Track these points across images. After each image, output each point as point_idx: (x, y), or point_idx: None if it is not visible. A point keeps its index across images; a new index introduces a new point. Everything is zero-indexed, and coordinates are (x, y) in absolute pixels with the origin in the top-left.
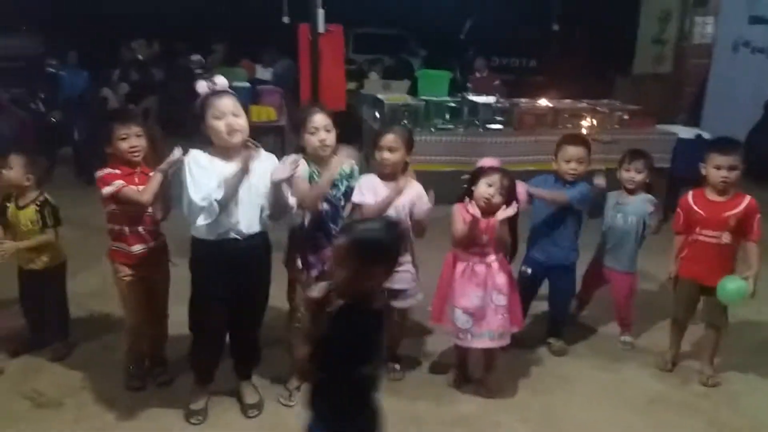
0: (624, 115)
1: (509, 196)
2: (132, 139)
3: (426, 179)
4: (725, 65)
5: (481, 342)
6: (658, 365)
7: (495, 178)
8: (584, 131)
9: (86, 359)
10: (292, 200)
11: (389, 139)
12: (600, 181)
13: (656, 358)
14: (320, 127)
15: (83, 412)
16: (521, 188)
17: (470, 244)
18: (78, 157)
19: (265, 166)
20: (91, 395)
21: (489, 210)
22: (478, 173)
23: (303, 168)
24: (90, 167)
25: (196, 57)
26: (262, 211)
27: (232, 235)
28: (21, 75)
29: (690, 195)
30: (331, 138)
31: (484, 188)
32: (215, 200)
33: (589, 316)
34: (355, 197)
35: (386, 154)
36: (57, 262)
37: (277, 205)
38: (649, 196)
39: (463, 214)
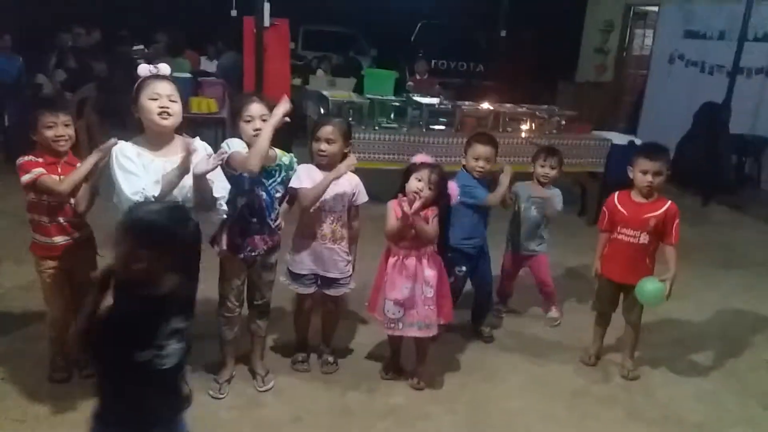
0: (562, 120)
1: (439, 191)
2: (59, 128)
3: (369, 177)
4: (661, 76)
5: (410, 331)
6: (582, 359)
7: (424, 173)
8: (523, 134)
9: (8, 352)
10: (217, 186)
11: (327, 130)
12: (506, 176)
13: (581, 353)
14: (256, 116)
15: (4, 404)
16: (452, 186)
17: (400, 238)
18: (8, 143)
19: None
20: (11, 387)
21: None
22: (410, 169)
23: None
24: (21, 155)
25: (138, 46)
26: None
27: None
28: None
29: (616, 195)
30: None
31: (414, 183)
32: (152, 196)
33: (515, 311)
34: (293, 183)
35: (324, 146)
36: None
37: (201, 198)
38: (558, 190)
39: (395, 210)
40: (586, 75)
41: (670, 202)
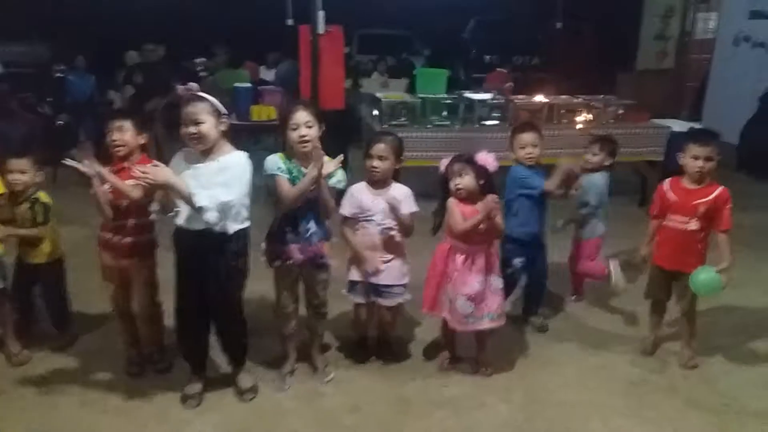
0: (619, 109)
1: (475, 170)
2: (114, 134)
3: (422, 175)
4: (726, 60)
5: (482, 324)
6: (639, 349)
7: (449, 170)
8: (579, 126)
9: (89, 349)
10: (199, 201)
11: (379, 148)
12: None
13: (638, 343)
14: (301, 123)
15: (87, 397)
16: (484, 157)
17: (472, 234)
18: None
19: (212, 167)
20: (93, 381)
21: (470, 197)
22: (443, 180)
23: (282, 166)
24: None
25: (200, 59)
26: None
27: (186, 227)
28: (29, 80)
29: (667, 182)
30: (311, 133)
31: (451, 185)
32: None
33: (574, 302)
34: (344, 210)
35: (376, 162)
36: (55, 257)
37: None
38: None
39: (460, 208)
40: (647, 63)
41: (721, 188)
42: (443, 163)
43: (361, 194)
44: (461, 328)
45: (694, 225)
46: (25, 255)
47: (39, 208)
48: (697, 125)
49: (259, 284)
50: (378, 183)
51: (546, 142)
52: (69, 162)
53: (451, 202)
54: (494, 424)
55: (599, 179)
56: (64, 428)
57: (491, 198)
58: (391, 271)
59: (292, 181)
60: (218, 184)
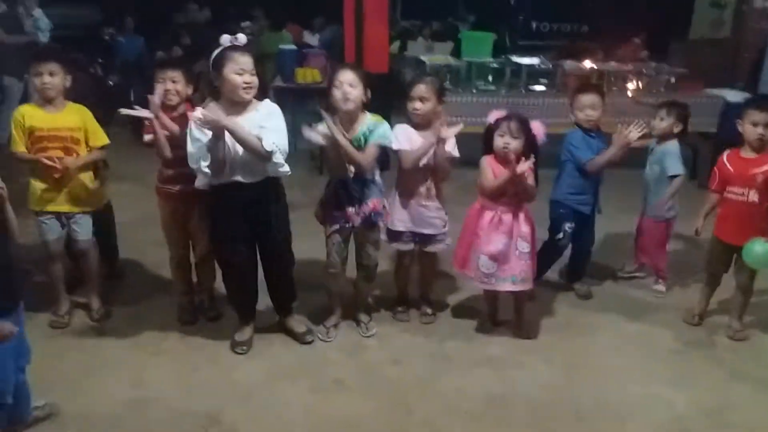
0: (671, 78)
1: (526, 137)
2: (167, 83)
3: (466, 140)
4: None
5: (505, 286)
6: (685, 319)
7: (503, 126)
8: (630, 94)
9: (144, 297)
10: (266, 141)
11: (420, 89)
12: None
13: (683, 313)
14: (344, 81)
15: (140, 339)
16: (536, 126)
17: (501, 194)
18: (134, 117)
19: (254, 117)
20: (147, 326)
21: (516, 157)
22: (488, 130)
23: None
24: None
25: (245, 23)
26: (278, 165)
27: (239, 180)
28: (80, 42)
29: (725, 153)
30: (354, 93)
31: (499, 140)
32: (205, 166)
33: (619, 270)
34: (394, 145)
35: (417, 104)
36: (107, 201)
37: (250, 152)
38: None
39: (492, 168)
40: (701, 31)
41: None
42: (494, 115)
43: (411, 133)
44: (483, 286)
45: (753, 196)
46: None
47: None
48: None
49: (307, 241)
50: (420, 125)
51: None
52: (126, 111)
53: (485, 160)
54: (533, 383)
55: (676, 147)
56: (117, 368)
57: (523, 163)
58: (435, 221)
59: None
60: (270, 129)
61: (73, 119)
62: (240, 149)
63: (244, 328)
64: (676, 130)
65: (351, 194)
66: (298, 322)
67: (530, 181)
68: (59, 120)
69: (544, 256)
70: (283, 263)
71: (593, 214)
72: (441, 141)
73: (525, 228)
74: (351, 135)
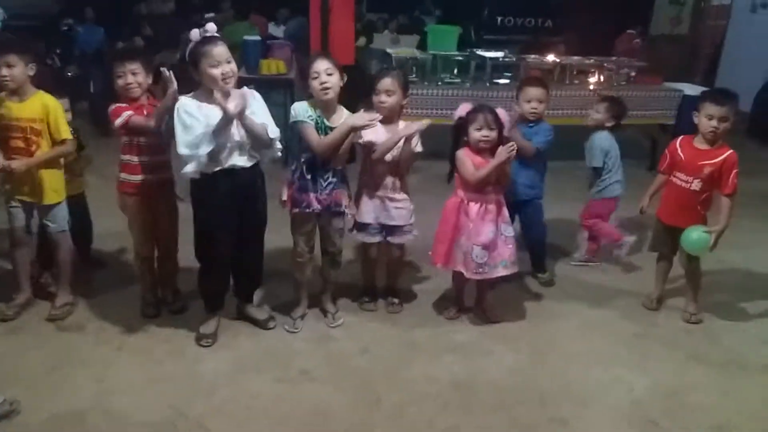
0: (631, 71)
1: (499, 126)
2: (127, 77)
3: (431, 133)
4: (742, 26)
5: (497, 271)
6: (644, 304)
7: (479, 118)
8: (591, 87)
9: (105, 291)
10: (270, 129)
11: (386, 82)
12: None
13: (643, 298)
14: (321, 71)
15: (103, 335)
16: (503, 114)
17: (485, 184)
18: (94, 108)
19: (253, 104)
20: (109, 321)
21: (490, 148)
22: (461, 124)
23: (311, 114)
24: (106, 118)
25: (209, 14)
26: (253, 145)
27: (232, 165)
28: (38, 32)
29: (679, 139)
30: (332, 81)
31: (476, 134)
32: (205, 153)
33: (579, 258)
34: (359, 139)
35: (383, 97)
36: (82, 189)
37: (256, 139)
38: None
39: (471, 158)
40: (661, 28)
41: (730, 151)
42: (463, 109)
43: (378, 127)
44: (477, 277)
45: (696, 185)
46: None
47: (81, 135)
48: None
49: (274, 233)
50: (386, 119)
51: (557, 102)
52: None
53: (462, 153)
54: (501, 369)
55: (602, 139)
56: (80, 364)
57: (506, 146)
58: (402, 213)
59: (317, 130)
60: (260, 115)
61: (35, 110)
62: (238, 135)
63: (210, 320)
64: (608, 124)
65: (316, 180)
66: (259, 310)
67: (507, 168)
68: (21, 110)
69: None
70: (258, 251)
71: (535, 202)
72: (407, 138)
73: (506, 212)
74: (333, 124)
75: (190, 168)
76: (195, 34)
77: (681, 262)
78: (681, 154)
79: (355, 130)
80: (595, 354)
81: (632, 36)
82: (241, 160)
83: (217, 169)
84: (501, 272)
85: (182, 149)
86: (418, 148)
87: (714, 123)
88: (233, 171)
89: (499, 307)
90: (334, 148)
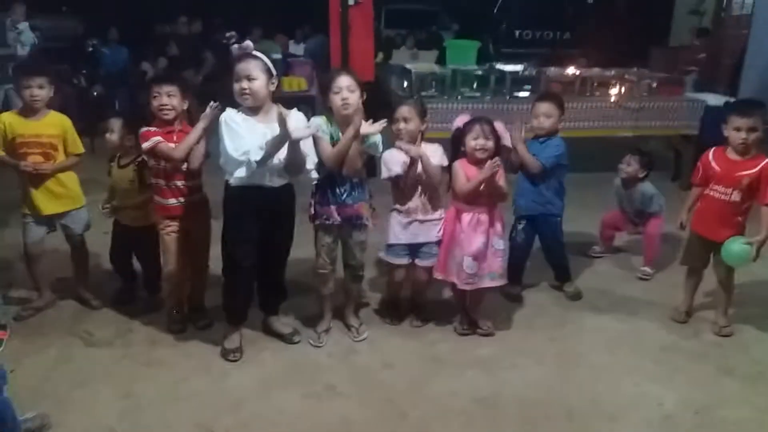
0: (652, 83)
1: (496, 138)
2: (162, 98)
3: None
4: (764, 35)
5: (484, 282)
6: (672, 316)
7: (476, 129)
8: (612, 98)
9: (132, 306)
10: (310, 159)
11: (403, 110)
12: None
13: (671, 311)
14: (343, 87)
15: (130, 350)
16: (500, 126)
17: (476, 196)
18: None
19: (292, 125)
20: (137, 336)
21: (487, 158)
22: (458, 135)
23: (325, 128)
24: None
25: (231, 33)
26: (286, 166)
27: (262, 183)
28: (64, 53)
29: (711, 151)
30: (353, 97)
31: (473, 143)
32: (255, 160)
33: (608, 271)
34: (384, 175)
35: (401, 125)
36: (152, 221)
37: (292, 163)
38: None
39: (465, 171)
40: (681, 38)
41: (767, 160)
42: (461, 120)
43: (399, 156)
44: (468, 287)
45: (735, 196)
46: (129, 218)
47: (148, 170)
48: (732, 99)
49: (300, 247)
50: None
51: (578, 114)
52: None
53: (457, 164)
54: (525, 384)
55: (649, 189)
56: (108, 380)
57: (492, 161)
58: (432, 229)
59: (333, 143)
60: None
61: (54, 127)
62: (281, 154)
63: (233, 334)
64: (641, 175)
65: (336, 192)
66: (284, 324)
67: (501, 182)
68: (40, 128)
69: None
70: (282, 264)
71: (552, 218)
72: (420, 157)
73: (498, 226)
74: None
75: (241, 173)
76: (234, 50)
77: (717, 274)
78: (716, 167)
79: (358, 134)
80: (623, 367)
81: (698, 49)
82: (272, 179)
83: (252, 182)
84: (488, 284)
85: (233, 153)
86: (444, 161)
87: (743, 134)
88: (263, 188)
89: (523, 319)
90: (342, 157)
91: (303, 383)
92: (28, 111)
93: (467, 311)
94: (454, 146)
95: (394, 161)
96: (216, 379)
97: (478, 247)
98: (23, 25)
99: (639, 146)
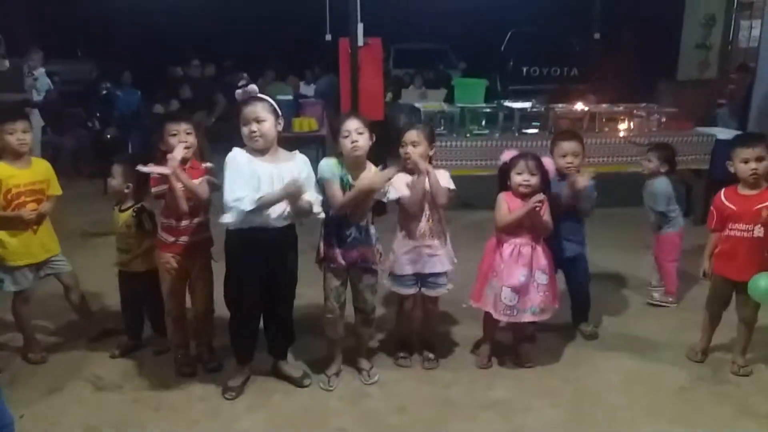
0: (662, 117)
1: (542, 173)
2: (181, 135)
3: (462, 184)
4: None
5: (525, 317)
6: (688, 355)
7: (521, 164)
8: (621, 134)
9: (143, 349)
10: (316, 202)
11: (412, 135)
12: (582, 180)
13: (686, 350)
14: (352, 130)
15: (140, 394)
16: (548, 163)
17: (517, 228)
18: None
19: (293, 168)
20: (147, 380)
21: (531, 193)
22: (504, 169)
23: (335, 171)
24: (145, 179)
25: (243, 74)
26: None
27: (263, 225)
28: (78, 97)
29: (722, 192)
30: (362, 140)
31: (517, 178)
32: (244, 210)
33: (622, 309)
34: (392, 195)
35: (409, 149)
36: (155, 264)
37: (299, 213)
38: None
39: (507, 203)
40: (688, 73)
41: None
42: (507, 155)
43: (406, 180)
44: (505, 319)
45: (759, 231)
46: (127, 264)
47: (145, 216)
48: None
49: (308, 287)
50: (413, 171)
51: (588, 150)
52: (145, 168)
53: (501, 196)
54: (541, 427)
55: (661, 185)
56: (118, 425)
57: (536, 197)
58: (441, 258)
59: (342, 188)
60: (308, 184)
61: (42, 172)
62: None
63: (239, 373)
64: (663, 170)
65: (340, 235)
66: (294, 367)
67: (545, 216)
68: (32, 175)
69: None
70: (286, 306)
71: (577, 257)
72: (430, 174)
73: (543, 260)
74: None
75: (228, 218)
76: (238, 95)
77: (741, 313)
78: (731, 206)
79: (375, 190)
80: (641, 409)
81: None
82: (276, 221)
83: (251, 224)
84: (529, 318)
85: (227, 197)
86: (451, 185)
87: (752, 165)
88: (266, 229)
89: (537, 358)
90: (351, 207)
91: (314, 428)
92: (15, 158)
93: (514, 345)
94: (501, 180)
95: (401, 183)
96: (226, 423)
97: (519, 279)
98: (39, 72)
99: (657, 142)
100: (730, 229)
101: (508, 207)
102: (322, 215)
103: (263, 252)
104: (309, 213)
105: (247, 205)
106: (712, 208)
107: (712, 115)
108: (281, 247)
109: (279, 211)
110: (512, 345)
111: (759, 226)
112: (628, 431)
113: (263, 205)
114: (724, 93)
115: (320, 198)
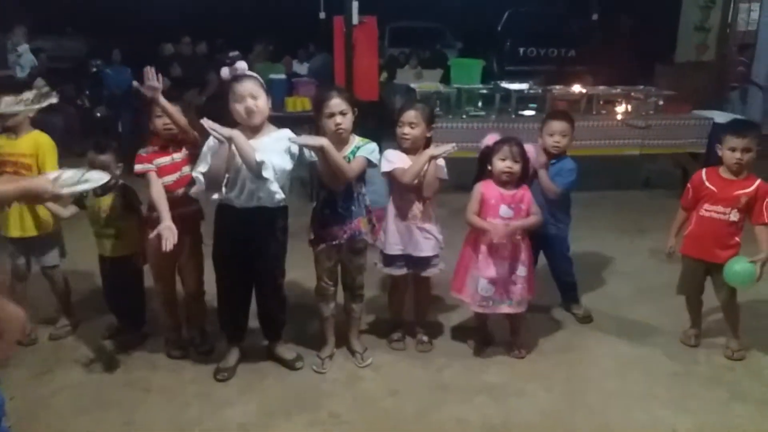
0: (659, 100)
1: (524, 160)
2: (165, 117)
3: (457, 166)
4: None
5: (502, 308)
6: (682, 340)
7: (505, 150)
8: (619, 116)
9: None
10: (265, 167)
11: (410, 115)
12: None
13: (680, 335)
14: (336, 111)
15: (132, 376)
16: (530, 149)
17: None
18: (123, 148)
19: (267, 142)
20: (138, 362)
21: (512, 180)
22: (486, 153)
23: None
24: (134, 158)
25: (234, 53)
26: (270, 184)
27: (231, 204)
28: (67, 74)
29: (703, 171)
30: (346, 122)
31: (500, 164)
32: (201, 174)
33: (616, 293)
34: (385, 167)
35: (407, 129)
36: (136, 249)
37: (211, 168)
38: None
39: (484, 193)
40: (687, 55)
41: (759, 180)
42: (490, 139)
43: (401, 155)
44: (481, 310)
45: (734, 216)
46: (112, 249)
47: (132, 193)
48: (740, 117)
49: (301, 269)
50: (410, 150)
51: (585, 132)
52: (209, 123)
53: (478, 187)
54: (534, 411)
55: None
56: (109, 406)
57: (500, 235)
58: (430, 243)
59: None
60: (275, 151)
61: (28, 146)
62: (241, 169)
63: (229, 354)
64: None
65: (337, 213)
66: (287, 349)
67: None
68: (14, 146)
69: None
70: (273, 293)
71: (555, 238)
72: (432, 160)
73: (523, 253)
74: (341, 155)
75: (193, 189)
76: (224, 72)
77: (719, 297)
78: (711, 186)
79: (435, 158)
80: (634, 394)
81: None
82: (238, 198)
83: (222, 201)
84: (505, 310)
85: (193, 173)
86: (443, 175)
87: (738, 155)
88: (234, 208)
89: (531, 344)
90: (415, 176)
91: (306, 411)
92: (8, 131)
93: (484, 330)
94: (481, 165)
95: (397, 158)
96: (217, 406)
97: (497, 271)
98: (23, 48)
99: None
100: (706, 210)
101: (482, 198)
102: (280, 195)
103: (237, 232)
104: (257, 169)
105: (199, 169)
106: (689, 185)
107: (723, 98)
108: (256, 228)
109: (238, 191)
110: (511, 334)
111: (735, 210)
112: (622, 415)
113: (212, 177)
114: (734, 75)
115: (278, 166)
